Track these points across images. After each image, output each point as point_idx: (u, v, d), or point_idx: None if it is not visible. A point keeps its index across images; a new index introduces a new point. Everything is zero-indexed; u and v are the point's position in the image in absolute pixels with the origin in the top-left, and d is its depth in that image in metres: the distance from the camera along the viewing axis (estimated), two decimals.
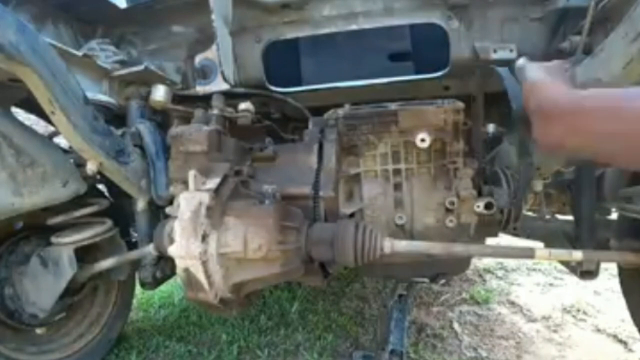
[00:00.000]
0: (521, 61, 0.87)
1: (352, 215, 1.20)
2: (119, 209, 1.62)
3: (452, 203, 1.14)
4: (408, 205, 1.17)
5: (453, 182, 1.18)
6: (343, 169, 1.19)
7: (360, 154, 1.19)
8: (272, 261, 1.00)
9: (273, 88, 1.62)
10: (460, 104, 1.15)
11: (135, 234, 1.55)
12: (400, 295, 1.43)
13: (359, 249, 1.02)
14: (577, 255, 1.07)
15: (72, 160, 1.32)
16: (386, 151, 1.17)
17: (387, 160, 1.17)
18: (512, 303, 2.41)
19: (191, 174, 1.02)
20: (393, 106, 1.16)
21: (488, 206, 1.13)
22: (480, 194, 1.16)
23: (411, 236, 1.17)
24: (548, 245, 1.53)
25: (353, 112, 1.18)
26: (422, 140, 1.09)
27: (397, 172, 1.18)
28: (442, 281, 1.29)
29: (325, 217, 1.18)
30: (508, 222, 1.21)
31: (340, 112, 1.19)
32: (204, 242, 0.96)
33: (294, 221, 1.07)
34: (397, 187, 1.18)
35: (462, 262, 1.30)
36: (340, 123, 1.18)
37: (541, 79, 0.76)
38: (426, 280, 1.43)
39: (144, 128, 1.39)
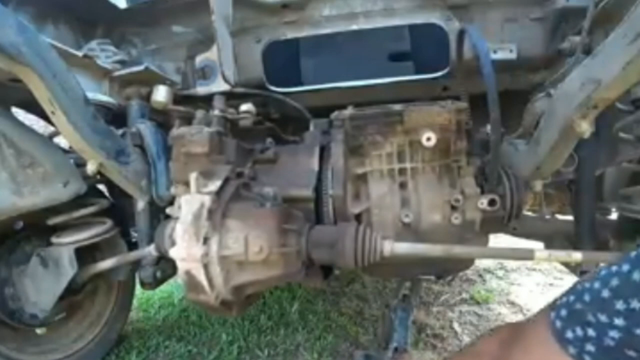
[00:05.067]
0: None
1: (359, 214, 1.20)
2: (119, 209, 1.62)
3: (457, 200, 1.15)
4: (414, 203, 1.18)
5: (457, 180, 1.19)
6: (349, 168, 1.20)
7: (367, 153, 1.20)
8: (272, 264, 1.00)
9: (273, 88, 1.62)
10: (464, 104, 1.15)
11: (136, 234, 1.55)
12: (405, 295, 1.44)
13: (359, 251, 1.02)
14: (577, 256, 1.07)
15: (72, 161, 1.32)
16: (392, 151, 1.17)
17: (393, 160, 1.18)
18: (512, 303, 2.41)
19: (192, 177, 1.02)
20: (398, 106, 1.17)
21: (491, 203, 1.14)
22: (482, 192, 1.17)
23: (417, 234, 1.18)
24: (548, 245, 1.53)
25: (360, 113, 1.19)
26: (428, 139, 1.10)
27: (402, 171, 1.18)
28: (449, 278, 1.30)
29: (335, 216, 1.19)
30: (510, 218, 1.22)
31: (347, 112, 1.19)
32: (205, 245, 0.96)
33: (295, 224, 1.07)
34: (403, 185, 1.19)
35: (467, 259, 1.31)
36: (346, 123, 1.18)
37: None
38: (432, 277, 1.44)
39: (145, 128, 1.39)
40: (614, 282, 0.56)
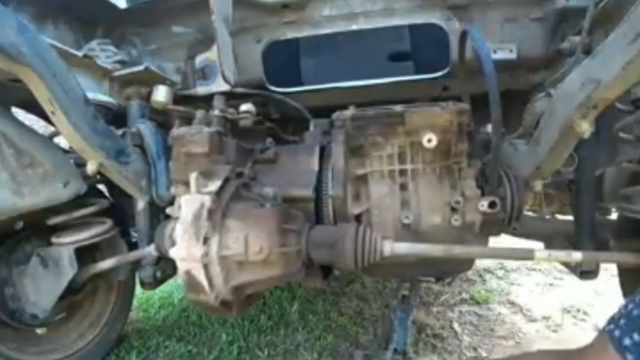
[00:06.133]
0: None
1: (359, 215, 1.20)
2: (119, 209, 1.62)
3: (458, 202, 1.15)
4: (414, 204, 1.18)
5: (457, 181, 1.18)
6: (350, 169, 1.20)
7: (367, 154, 1.19)
8: (272, 264, 1.00)
9: (273, 88, 1.62)
10: (465, 106, 1.15)
11: (136, 234, 1.55)
12: (404, 296, 1.44)
13: (359, 252, 1.02)
14: (577, 256, 1.07)
15: (72, 161, 1.32)
16: (392, 152, 1.17)
17: (394, 161, 1.18)
18: (512, 303, 2.41)
19: (192, 177, 1.02)
20: (399, 107, 1.17)
21: (492, 205, 1.14)
22: (483, 194, 1.16)
23: (417, 235, 1.17)
24: (548, 245, 1.53)
25: (361, 114, 1.18)
26: (429, 140, 1.10)
27: (403, 172, 1.18)
28: (448, 280, 1.29)
29: (335, 217, 1.19)
30: (510, 221, 1.22)
31: (348, 113, 1.19)
32: (205, 245, 0.97)
33: (295, 224, 1.07)
34: (404, 187, 1.19)
35: (467, 261, 1.31)
36: (348, 124, 1.18)
37: None
38: (432, 279, 1.43)
39: (145, 128, 1.39)
40: None
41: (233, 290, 1.03)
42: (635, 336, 0.59)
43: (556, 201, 1.68)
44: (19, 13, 1.33)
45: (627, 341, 0.60)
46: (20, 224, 1.38)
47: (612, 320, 0.67)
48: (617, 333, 0.63)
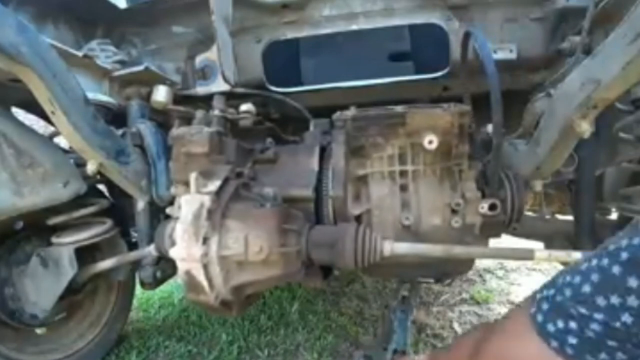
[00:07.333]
0: None
1: (359, 216, 1.20)
2: (119, 209, 1.62)
3: (458, 204, 1.14)
4: (414, 206, 1.17)
5: (458, 183, 1.18)
6: (350, 170, 1.19)
7: (368, 155, 1.19)
8: (272, 264, 1.00)
9: (273, 88, 1.62)
10: (466, 107, 1.15)
11: (136, 234, 1.55)
12: (404, 297, 1.44)
13: (359, 252, 1.02)
14: (577, 256, 1.07)
15: (72, 161, 1.33)
16: (393, 153, 1.17)
17: (394, 162, 1.18)
18: (512, 303, 2.41)
19: (192, 177, 1.02)
20: (400, 108, 1.16)
21: (492, 207, 1.14)
22: (483, 195, 1.16)
23: (417, 236, 1.17)
24: (548, 245, 1.53)
25: (362, 114, 1.18)
26: (430, 142, 1.09)
27: (403, 173, 1.18)
28: (448, 281, 1.29)
29: (334, 217, 1.19)
30: (510, 222, 1.22)
31: (349, 113, 1.18)
32: (205, 245, 0.97)
33: (295, 224, 1.07)
34: (404, 188, 1.19)
35: (466, 262, 1.31)
36: (348, 124, 1.18)
37: None
38: (431, 280, 1.43)
39: (145, 128, 1.39)
40: (595, 276, 0.56)
41: (233, 290, 1.03)
42: (560, 323, 0.58)
43: (556, 201, 1.68)
44: (19, 13, 1.33)
45: (550, 327, 0.59)
46: (20, 224, 1.38)
47: (534, 301, 0.65)
48: (539, 318, 0.61)
